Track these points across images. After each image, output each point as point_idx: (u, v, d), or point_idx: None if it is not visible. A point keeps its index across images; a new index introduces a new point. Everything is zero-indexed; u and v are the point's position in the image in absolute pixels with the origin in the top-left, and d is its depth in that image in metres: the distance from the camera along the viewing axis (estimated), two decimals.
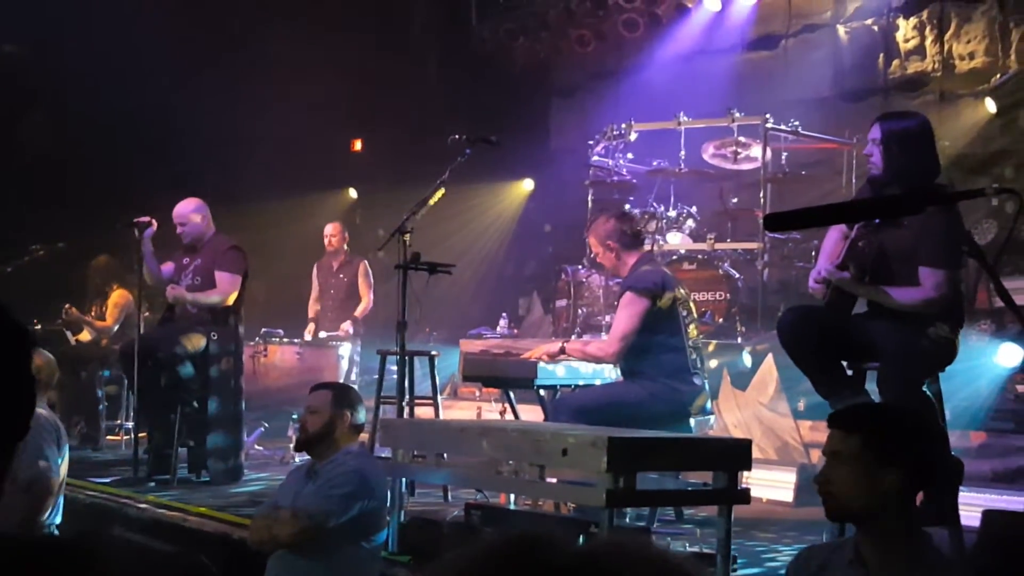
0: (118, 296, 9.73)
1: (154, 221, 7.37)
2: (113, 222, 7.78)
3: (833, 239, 4.85)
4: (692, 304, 6.16)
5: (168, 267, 7.55)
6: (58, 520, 5.48)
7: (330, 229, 9.99)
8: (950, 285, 4.46)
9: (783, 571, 3.18)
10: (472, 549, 1.16)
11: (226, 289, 7.31)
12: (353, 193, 13.46)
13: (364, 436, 6.49)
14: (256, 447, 8.54)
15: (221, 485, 7.12)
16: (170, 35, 11.25)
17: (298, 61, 11.86)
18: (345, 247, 9.97)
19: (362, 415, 4.88)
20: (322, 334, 9.53)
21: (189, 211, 7.46)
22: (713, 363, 7.65)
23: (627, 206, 9.08)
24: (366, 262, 9.84)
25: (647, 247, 6.97)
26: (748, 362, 7.88)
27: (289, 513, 4.51)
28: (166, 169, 11.05)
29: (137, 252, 7.41)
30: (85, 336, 9.86)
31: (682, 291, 6.00)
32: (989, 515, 3.96)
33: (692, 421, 5.89)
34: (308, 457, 4.83)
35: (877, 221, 4.50)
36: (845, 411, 2.99)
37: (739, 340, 8.39)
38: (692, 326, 5.98)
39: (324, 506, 4.46)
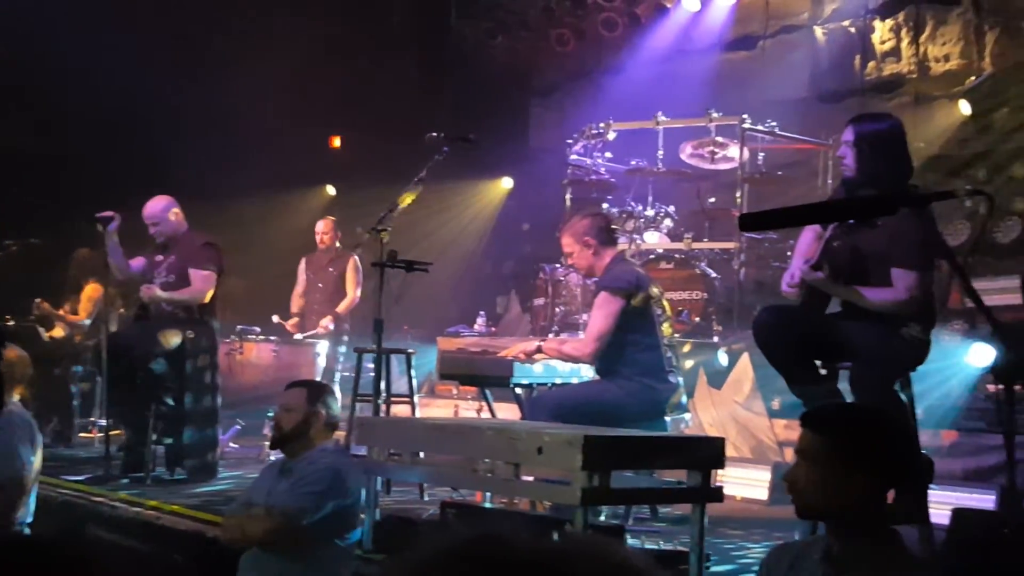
0: (91, 290, 9.68)
1: (117, 215, 7.26)
2: (87, 219, 7.71)
3: (807, 240, 4.88)
4: (666, 302, 6.18)
5: (138, 262, 7.48)
6: (30, 519, 5.45)
7: (321, 226, 9.83)
8: (922, 286, 4.50)
9: (756, 568, 3.20)
10: (433, 546, 1.17)
11: (201, 287, 7.27)
12: (331, 190, 13.44)
13: (340, 434, 6.51)
14: (232, 445, 8.51)
15: (196, 483, 7.09)
16: (148, 31, 11.21)
17: (277, 59, 11.83)
18: (337, 244, 9.87)
19: (337, 413, 4.88)
20: (298, 336, 9.45)
21: (159, 210, 7.36)
22: (689, 362, 7.68)
23: (605, 205, 9.11)
24: (356, 257, 9.71)
25: (623, 246, 6.99)
26: (724, 361, 7.92)
27: (262, 511, 4.50)
28: (143, 164, 11.00)
29: (102, 247, 7.36)
30: (58, 332, 9.81)
31: (655, 289, 6.02)
32: (959, 514, 3.99)
33: (667, 419, 5.92)
34: (282, 455, 4.82)
35: (851, 222, 4.53)
36: (815, 411, 3.02)
37: (716, 339, 8.43)
38: (666, 324, 6.01)
39: (297, 504, 4.46)
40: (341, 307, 9.56)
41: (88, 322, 9.59)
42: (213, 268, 7.30)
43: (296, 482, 4.54)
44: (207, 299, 7.30)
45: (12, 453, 5.26)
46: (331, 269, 9.73)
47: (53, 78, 10.81)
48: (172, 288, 7.29)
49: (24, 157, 11.08)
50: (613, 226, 6.31)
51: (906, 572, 2.80)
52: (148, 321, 7.41)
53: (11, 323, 9.72)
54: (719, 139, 9.36)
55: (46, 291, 9.90)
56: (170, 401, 7.27)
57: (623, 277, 5.86)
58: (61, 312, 9.75)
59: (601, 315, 5.81)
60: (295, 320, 9.61)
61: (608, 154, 9.64)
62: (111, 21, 10.66)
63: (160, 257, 7.42)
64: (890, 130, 4.72)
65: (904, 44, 10.72)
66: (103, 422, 8.64)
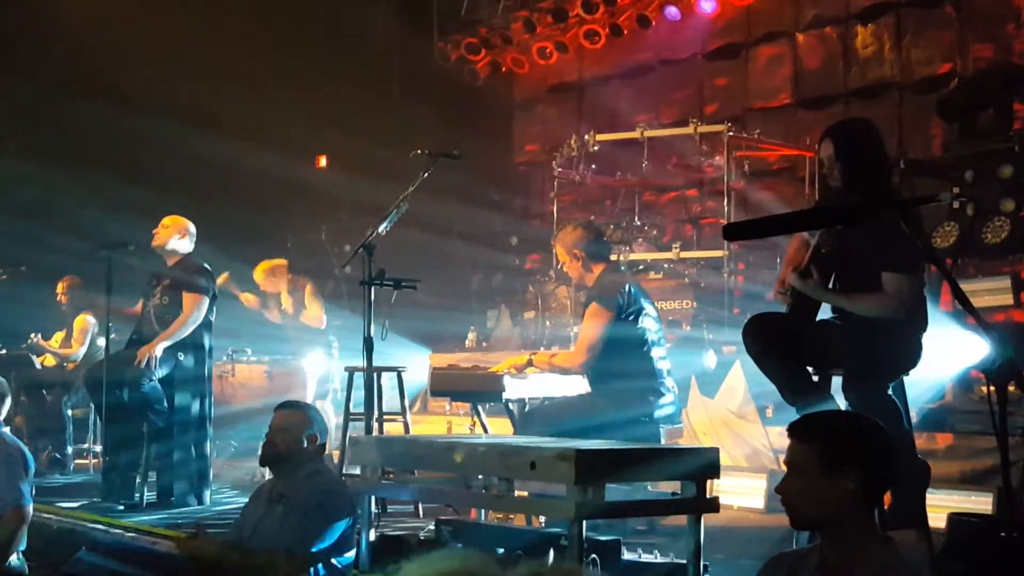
0: (83, 321, 9.69)
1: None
2: (85, 246, 7.71)
3: (795, 247, 4.87)
4: (659, 313, 6.18)
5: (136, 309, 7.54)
6: (23, 547, 5.43)
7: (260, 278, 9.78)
8: (911, 289, 4.48)
9: None
10: None
11: (190, 310, 7.24)
12: (318, 208, 13.41)
13: (335, 452, 6.47)
14: (225, 467, 8.49)
15: (190, 507, 7.07)
16: (133, 56, 11.22)
17: (262, 81, 11.83)
18: (283, 287, 9.84)
19: (326, 435, 4.90)
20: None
21: (181, 223, 7.45)
22: (680, 371, 7.66)
23: (592, 217, 9.12)
24: (311, 284, 9.78)
25: (613, 257, 6.99)
26: (712, 363, 7.91)
27: (300, 560, 4.44)
28: (132, 191, 10.98)
29: (107, 278, 7.36)
30: (50, 360, 9.80)
31: (649, 301, 6.01)
32: (954, 519, 3.98)
33: (661, 430, 5.91)
34: (269, 475, 4.80)
35: (838, 228, 4.52)
36: (800, 420, 3.00)
37: (708, 348, 8.42)
38: (659, 336, 6.00)
39: (317, 540, 4.45)
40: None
41: (81, 354, 9.59)
42: (204, 292, 7.30)
43: (305, 515, 4.50)
44: (198, 321, 7.28)
45: (14, 486, 5.24)
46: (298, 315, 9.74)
47: (33, 103, 10.82)
48: (164, 310, 7.30)
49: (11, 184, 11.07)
50: (604, 238, 6.30)
51: None
52: (141, 345, 7.39)
53: (3, 352, 9.71)
54: (704, 148, 9.37)
55: (36, 318, 9.88)
56: (161, 424, 7.24)
57: (614, 288, 5.85)
58: (53, 344, 9.76)
59: (591, 326, 5.81)
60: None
61: (593, 166, 9.64)
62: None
63: (155, 280, 7.44)
64: (867, 134, 4.73)
65: (887, 49, 10.76)
66: (97, 449, 8.63)
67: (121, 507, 7.01)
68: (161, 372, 7.17)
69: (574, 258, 6.00)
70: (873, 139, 4.71)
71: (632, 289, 5.92)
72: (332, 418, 8.89)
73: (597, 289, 5.92)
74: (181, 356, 7.24)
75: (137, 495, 7.16)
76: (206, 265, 7.48)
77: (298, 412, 4.82)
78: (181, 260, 7.45)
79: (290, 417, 4.78)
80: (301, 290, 9.79)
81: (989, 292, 7.99)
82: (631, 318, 5.84)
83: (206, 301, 7.32)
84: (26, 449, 5.54)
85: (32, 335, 9.66)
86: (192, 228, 7.52)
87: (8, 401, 5.74)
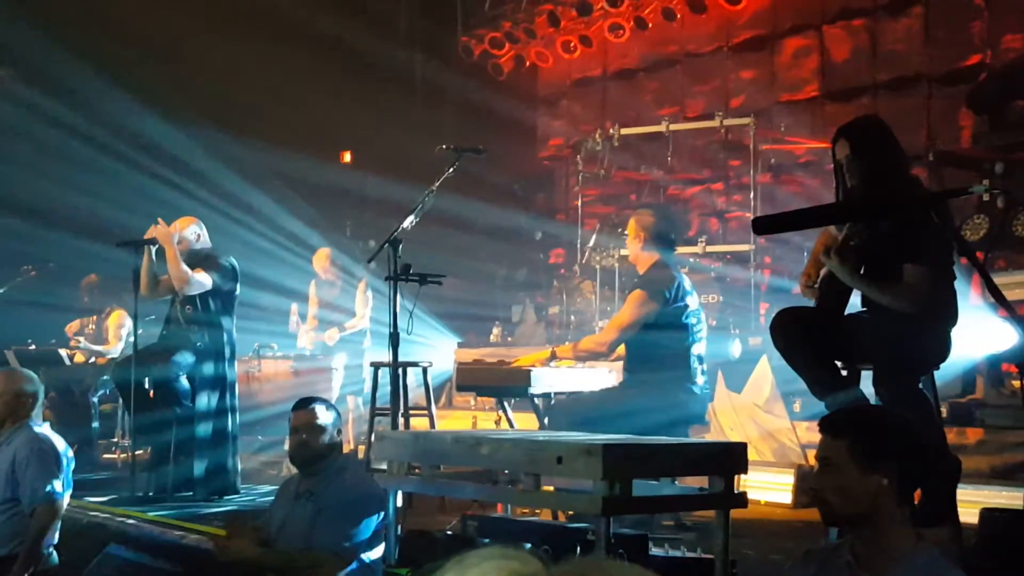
0: (118, 317, 9.77)
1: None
2: (111, 242, 7.75)
3: (822, 242, 4.83)
4: (703, 314, 6.14)
5: None
6: (55, 540, 5.46)
7: (317, 264, 9.75)
8: (931, 281, 4.42)
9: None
10: None
11: (194, 276, 7.23)
12: (343, 204, 13.44)
13: (361, 448, 6.46)
14: (251, 462, 8.52)
15: (218, 501, 7.10)
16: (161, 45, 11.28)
17: (285, 77, 11.86)
18: (336, 272, 9.77)
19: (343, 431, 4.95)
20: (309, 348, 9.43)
21: (191, 224, 7.45)
22: (706, 363, 7.64)
23: (613, 210, 9.10)
24: (366, 280, 9.70)
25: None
26: (737, 352, 7.88)
27: (329, 557, 4.44)
28: (153, 185, 11.04)
29: (146, 268, 7.36)
30: (79, 356, 9.87)
31: (695, 300, 5.98)
32: (987, 514, 3.94)
33: (688, 429, 5.88)
34: (298, 472, 4.81)
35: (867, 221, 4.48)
36: (832, 416, 2.97)
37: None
38: (700, 335, 5.96)
39: (353, 537, 4.45)
40: (348, 323, 9.53)
41: (118, 349, 9.67)
42: (208, 276, 7.28)
43: (335, 511, 4.50)
44: (180, 284, 7.21)
45: (46, 482, 5.27)
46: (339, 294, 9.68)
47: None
48: (191, 303, 7.30)
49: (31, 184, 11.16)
50: (670, 233, 6.24)
51: (934, 574, 2.75)
52: (168, 339, 7.44)
53: (32, 347, 9.79)
54: (729, 141, 9.33)
55: (65, 314, 9.97)
56: (191, 419, 7.27)
57: (663, 282, 5.83)
58: (84, 340, 9.84)
59: (629, 310, 5.80)
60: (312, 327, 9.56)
61: (617, 160, 9.62)
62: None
63: None
64: (880, 129, 4.69)
65: (915, 40, 10.67)
66: (126, 443, 8.68)
67: (150, 501, 7.04)
68: (178, 366, 7.19)
69: (637, 236, 6.01)
70: (886, 133, 4.67)
71: (681, 285, 5.89)
72: (362, 413, 8.91)
73: (646, 278, 5.91)
74: (201, 347, 7.27)
75: (166, 488, 7.19)
76: (220, 260, 7.48)
77: (324, 408, 4.81)
78: (205, 257, 7.46)
79: (320, 414, 4.75)
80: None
81: (1020, 285, 7.91)
82: (676, 313, 5.81)
83: (208, 280, 7.30)
84: (60, 444, 5.55)
85: (79, 339, 9.78)
86: (202, 227, 7.52)
87: (41, 397, 5.76)
